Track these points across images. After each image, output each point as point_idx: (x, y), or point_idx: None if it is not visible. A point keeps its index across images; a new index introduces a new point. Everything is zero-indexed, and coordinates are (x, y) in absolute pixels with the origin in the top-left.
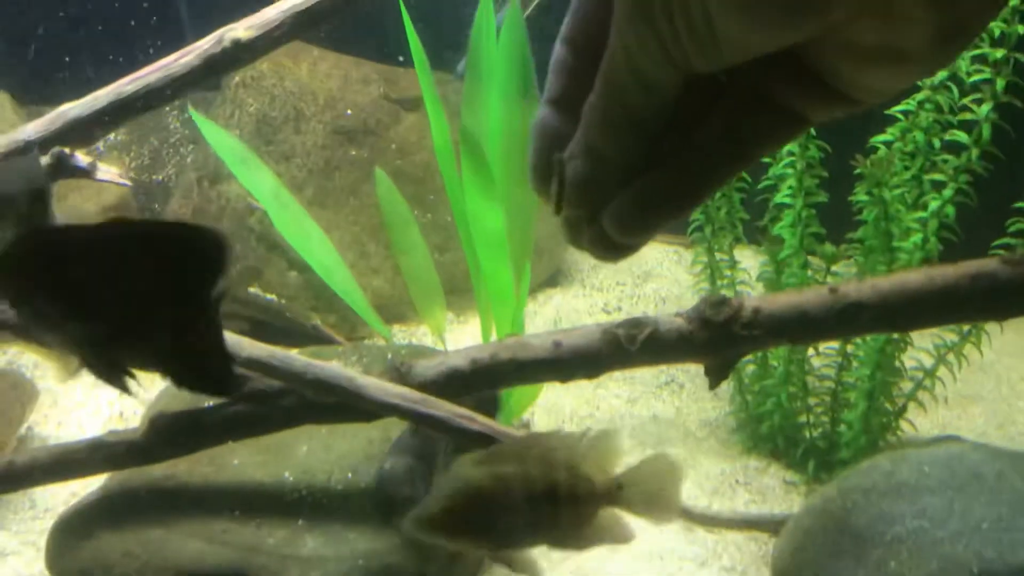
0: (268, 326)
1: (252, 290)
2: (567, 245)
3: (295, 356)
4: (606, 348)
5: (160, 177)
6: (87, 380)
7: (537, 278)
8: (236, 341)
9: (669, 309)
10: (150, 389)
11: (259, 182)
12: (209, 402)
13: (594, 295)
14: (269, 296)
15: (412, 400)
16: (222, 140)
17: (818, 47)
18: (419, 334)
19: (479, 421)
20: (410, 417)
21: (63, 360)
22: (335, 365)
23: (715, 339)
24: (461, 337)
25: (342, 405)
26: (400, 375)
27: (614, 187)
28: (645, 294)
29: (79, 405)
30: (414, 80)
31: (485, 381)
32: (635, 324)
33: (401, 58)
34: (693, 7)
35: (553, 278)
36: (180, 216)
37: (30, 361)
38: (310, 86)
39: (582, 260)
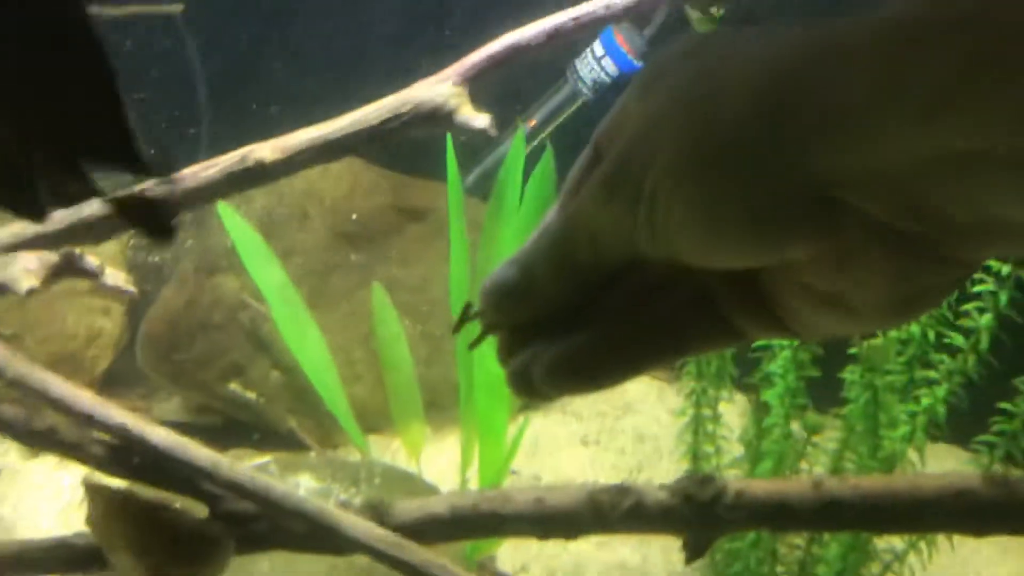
0: (243, 424)
1: (232, 387)
2: None
3: (274, 484)
4: (588, 512)
5: (157, 259)
6: (50, 461)
7: (517, 402)
8: (215, 460)
9: (647, 448)
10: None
11: (268, 275)
12: (177, 504)
13: (574, 424)
14: (249, 394)
15: (387, 543)
16: (239, 227)
17: (771, 275)
18: (394, 447)
19: (452, 571)
20: (383, 560)
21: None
22: (314, 499)
23: (697, 517)
24: (437, 456)
25: (315, 535)
26: (378, 515)
27: (531, 312)
28: (624, 429)
29: (38, 487)
30: (424, 190)
31: (463, 530)
32: (620, 492)
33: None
34: (657, 210)
35: (533, 402)
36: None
37: None
38: (318, 187)
39: None
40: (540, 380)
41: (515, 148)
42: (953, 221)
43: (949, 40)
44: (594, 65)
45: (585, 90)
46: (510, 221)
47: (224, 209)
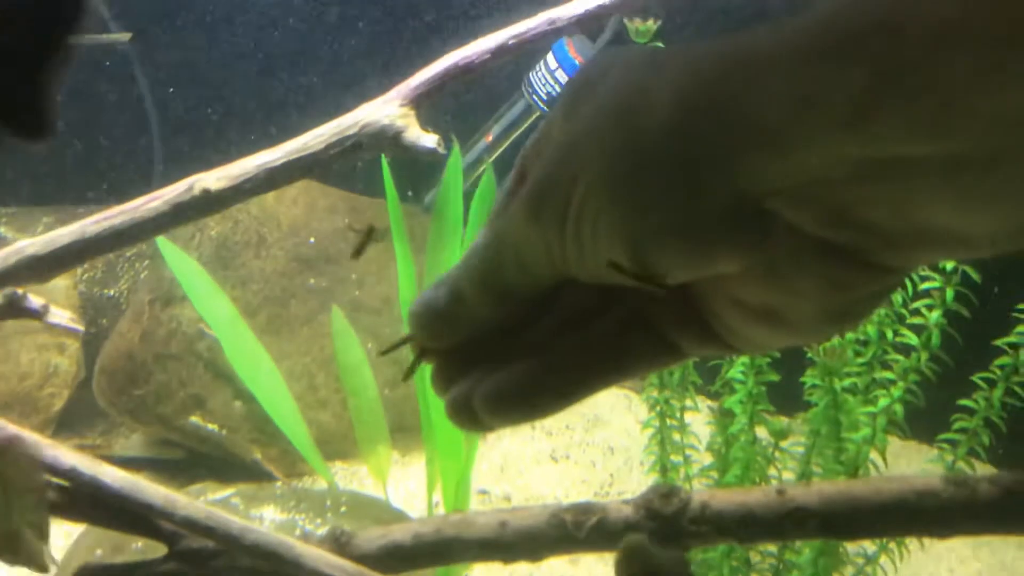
0: (206, 457)
1: (193, 419)
2: None
3: (232, 519)
4: (553, 532)
5: (111, 292)
6: None
7: None
8: (170, 498)
9: (617, 460)
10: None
11: (215, 309)
12: (138, 543)
13: (543, 440)
14: (210, 426)
15: (350, 574)
16: (182, 263)
17: (704, 289)
18: (361, 474)
19: None
20: None
21: None
22: (273, 532)
23: (662, 531)
24: (406, 479)
25: (277, 571)
26: (339, 545)
27: (461, 334)
28: (594, 442)
29: None
30: (381, 211)
31: (427, 558)
32: (584, 510)
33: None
34: (584, 227)
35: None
36: None
37: None
38: (275, 211)
39: None
40: (481, 410)
41: (452, 167)
42: (881, 228)
43: (863, 50)
44: (547, 78)
45: (540, 103)
46: (452, 238)
47: (164, 244)
